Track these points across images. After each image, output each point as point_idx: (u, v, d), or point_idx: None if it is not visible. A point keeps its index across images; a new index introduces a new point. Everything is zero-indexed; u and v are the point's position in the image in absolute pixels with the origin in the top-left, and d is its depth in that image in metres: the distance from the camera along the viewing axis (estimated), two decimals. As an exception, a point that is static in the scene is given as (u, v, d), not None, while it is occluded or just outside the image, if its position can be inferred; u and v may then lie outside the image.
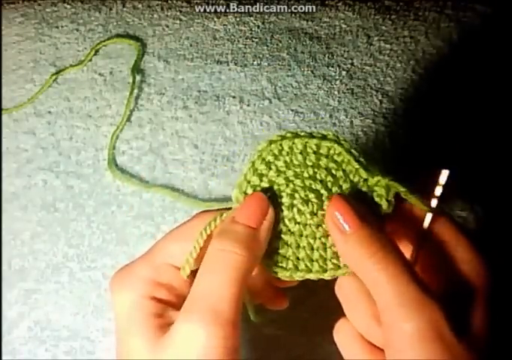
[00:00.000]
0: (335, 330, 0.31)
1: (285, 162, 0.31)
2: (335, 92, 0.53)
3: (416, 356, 0.25)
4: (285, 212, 0.30)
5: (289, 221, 0.30)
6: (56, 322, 0.45)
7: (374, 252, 0.27)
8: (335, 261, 0.30)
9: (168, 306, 0.30)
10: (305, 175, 0.30)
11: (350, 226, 0.27)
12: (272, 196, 0.30)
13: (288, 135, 0.31)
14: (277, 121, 0.52)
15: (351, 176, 0.30)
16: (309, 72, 0.55)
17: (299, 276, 0.30)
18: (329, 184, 0.30)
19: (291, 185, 0.30)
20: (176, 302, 0.30)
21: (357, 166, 0.30)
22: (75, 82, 0.56)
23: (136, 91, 0.54)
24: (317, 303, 0.43)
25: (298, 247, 0.30)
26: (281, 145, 0.31)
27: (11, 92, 0.56)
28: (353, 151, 0.30)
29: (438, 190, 0.30)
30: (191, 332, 0.26)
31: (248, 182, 0.30)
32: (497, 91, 0.52)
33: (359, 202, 0.29)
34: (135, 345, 0.28)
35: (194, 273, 0.31)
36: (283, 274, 0.30)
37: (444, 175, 0.30)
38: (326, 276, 0.30)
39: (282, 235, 0.30)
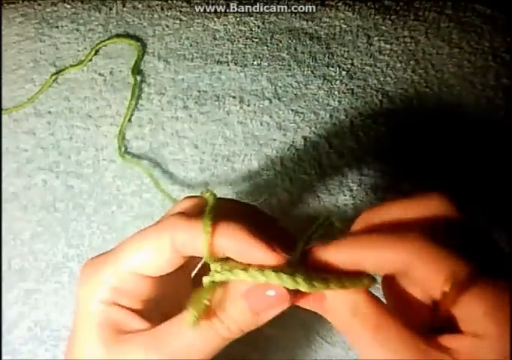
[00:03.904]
0: None
1: None
2: (335, 92, 0.53)
3: None
4: None
5: None
6: (56, 322, 0.45)
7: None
8: None
9: (130, 312, 0.30)
10: None
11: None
12: None
13: None
14: (277, 121, 0.52)
15: None
16: (309, 72, 0.55)
17: None
18: None
19: None
20: (139, 308, 0.31)
21: None
22: (75, 82, 0.56)
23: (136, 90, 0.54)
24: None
25: None
26: None
27: (11, 92, 0.56)
28: None
29: None
30: None
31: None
32: (497, 90, 0.52)
33: None
34: (90, 354, 0.29)
35: (161, 277, 0.31)
36: None
37: None
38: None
39: None
